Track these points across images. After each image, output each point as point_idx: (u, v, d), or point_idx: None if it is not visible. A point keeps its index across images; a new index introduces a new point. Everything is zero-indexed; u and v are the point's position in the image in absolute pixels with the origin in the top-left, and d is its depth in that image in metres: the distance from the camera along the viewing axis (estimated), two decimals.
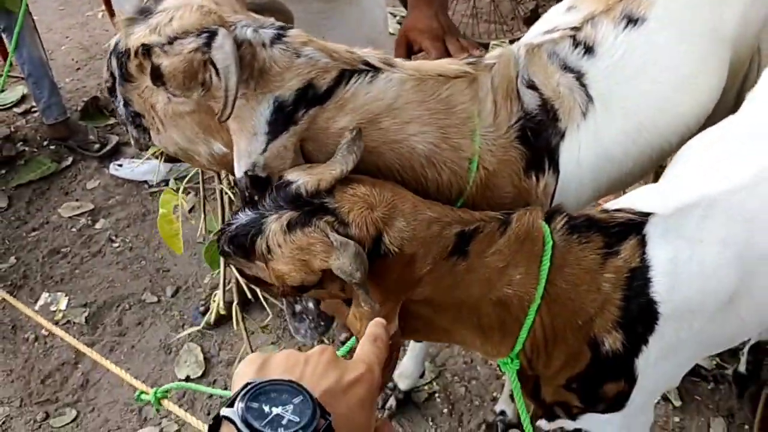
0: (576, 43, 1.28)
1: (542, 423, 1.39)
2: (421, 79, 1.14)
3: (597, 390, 1.16)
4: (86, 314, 2.36)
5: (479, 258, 1.00)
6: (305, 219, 0.94)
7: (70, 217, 2.72)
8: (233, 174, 1.11)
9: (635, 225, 1.04)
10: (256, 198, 1.07)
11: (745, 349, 2.00)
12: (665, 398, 2.01)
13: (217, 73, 1.00)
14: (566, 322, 1.09)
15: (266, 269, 0.99)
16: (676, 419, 1.98)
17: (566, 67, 1.25)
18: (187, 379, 2.14)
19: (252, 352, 1.44)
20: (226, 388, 2.14)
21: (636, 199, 1.12)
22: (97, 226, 2.69)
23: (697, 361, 1.36)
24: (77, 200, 2.80)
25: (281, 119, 1.04)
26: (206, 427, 1.53)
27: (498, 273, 1.03)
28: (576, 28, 1.31)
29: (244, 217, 0.99)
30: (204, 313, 2.31)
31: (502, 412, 1.94)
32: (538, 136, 1.18)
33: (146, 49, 1.03)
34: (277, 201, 0.97)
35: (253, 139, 1.04)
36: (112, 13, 3.75)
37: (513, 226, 1.03)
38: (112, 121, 3.19)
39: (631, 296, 1.05)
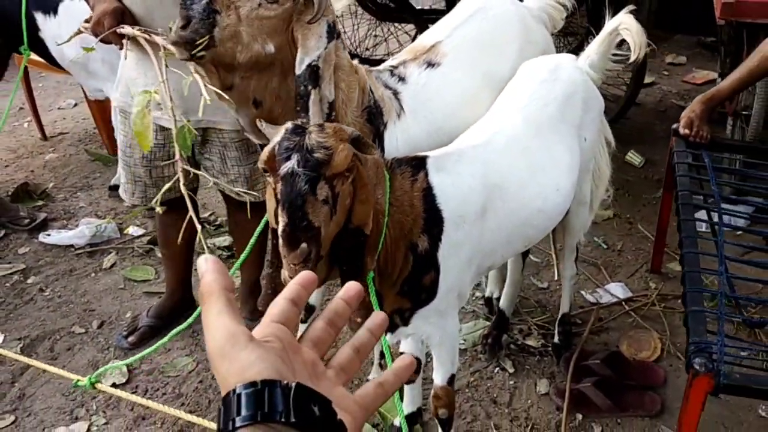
0: (393, 75, 1.98)
1: (387, 336, 1.93)
2: (350, 65, 1.80)
3: (419, 284, 1.72)
4: (21, 345, 2.72)
5: (365, 169, 1.48)
6: (318, 126, 1.40)
7: (3, 276, 3.11)
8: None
9: (422, 161, 1.67)
10: (308, 89, 1.62)
11: (556, 324, 2.62)
12: (503, 368, 2.58)
13: None
14: (399, 232, 1.62)
15: (329, 175, 1.36)
16: (511, 382, 2.53)
17: (387, 86, 1.93)
18: (113, 385, 2.52)
19: None
20: (146, 392, 2.54)
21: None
22: (29, 281, 3.09)
23: (478, 273, 1.92)
24: (10, 263, 3.19)
25: (330, 33, 1.65)
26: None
27: (373, 189, 1.52)
28: (393, 66, 2.01)
29: (291, 164, 1.35)
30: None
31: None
32: (374, 121, 1.83)
33: None
34: (292, 134, 1.38)
35: (320, 40, 1.63)
36: (39, 124, 4.30)
37: (370, 156, 1.54)
38: (39, 203, 3.65)
39: (427, 208, 1.65)
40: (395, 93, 1.93)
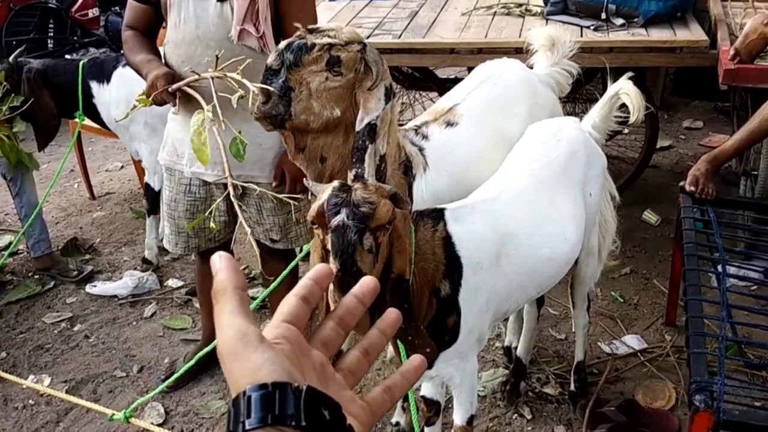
0: (417, 133, 2.19)
1: None
2: (396, 122, 1.99)
3: (443, 326, 1.87)
4: (66, 388, 2.90)
5: (399, 222, 1.63)
6: (362, 183, 1.57)
7: (52, 323, 3.33)
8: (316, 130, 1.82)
9: (441, 213, 1.85)
10: (366, 143, 1.79)
11: (572, 372, 2.73)
12: (521, 415, 2.68)
13: (366, 66, 1.80)
14: (423, 278, 1.78)
15: (374, 227, 1.50)
16: (529, 428, 2.63)
17: (413, 143, 2.14)
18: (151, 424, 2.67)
19: None
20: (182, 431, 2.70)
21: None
22: (75, 328, 3.30)
23: (495, 317, 2.05)
24: (58, 311, 3.42)
25: (387, 95, 1.84)
26: None
27: (404, 237, 1.68)
28: (417, 126, 2.23)
29: (341, 217, 1.49)
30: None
31: (397, 423, 2.57)
32: (407, 174, 2.03)
33: (330, 46, 1.76)
34: (339, 191, 1.51)
35: (379, 102, 1.81)
36: (89, 184, 4.60)
37: (399, 211, 1.68)
38: (87, 257, 3.90)
39: (447, 255, 1.82)
40: (420, 149, 2.14)
